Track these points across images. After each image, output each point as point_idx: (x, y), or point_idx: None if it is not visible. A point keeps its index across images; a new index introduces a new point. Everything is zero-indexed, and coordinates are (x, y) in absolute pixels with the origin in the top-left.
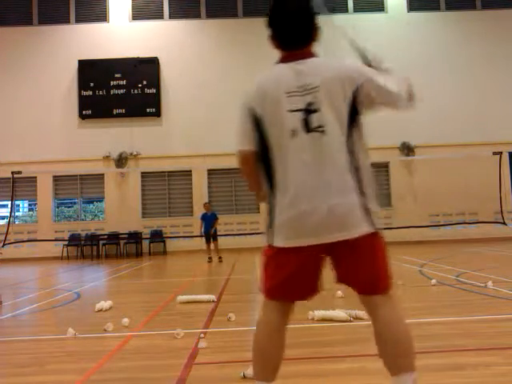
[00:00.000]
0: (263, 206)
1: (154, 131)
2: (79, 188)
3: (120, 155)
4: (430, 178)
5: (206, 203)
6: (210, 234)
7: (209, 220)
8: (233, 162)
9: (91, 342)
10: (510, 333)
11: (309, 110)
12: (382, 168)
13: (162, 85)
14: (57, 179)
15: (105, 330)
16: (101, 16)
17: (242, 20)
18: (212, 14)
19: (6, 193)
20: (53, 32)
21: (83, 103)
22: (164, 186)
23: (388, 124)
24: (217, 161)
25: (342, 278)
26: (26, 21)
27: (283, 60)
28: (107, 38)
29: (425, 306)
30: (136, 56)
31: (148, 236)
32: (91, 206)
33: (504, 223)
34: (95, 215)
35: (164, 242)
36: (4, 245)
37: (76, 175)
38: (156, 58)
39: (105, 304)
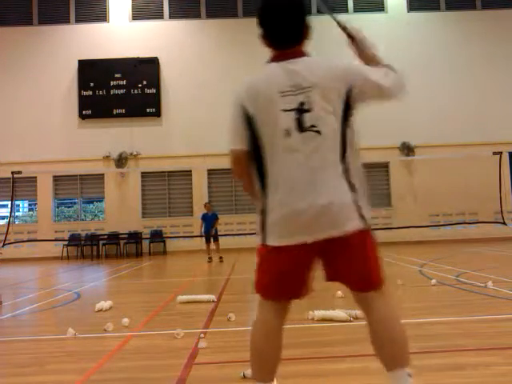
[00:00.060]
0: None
1: (154, 131)
2: (79, 188)
3: (120, 155)
4: (430, 178)
5: (206, 203)
6: (211, 234)
7: (209, 220)
8: None
9: (91, 342)
10: (509, 333)
11: (302, 110)
12: (381, 168)
13: (162, 85)
14: (57, 179)
15: (105, 330)
16: (101, 16)
17: (241, 20)
18: (212, 13)
19: (6, 193)
20: (53, 32)
21: (83, 103)
22: (164, 186)
23: (388, 124)
24: (217, 161)
25: (333, 276)
26: (26, 21)
27: (274, 59)
28: (107, 38)
29: (425, 306)
30: (136, 56)
31: (148, 236)
32: (91, 206)
33: (504, 223)
34: (95, 215)
35: (164, 241)
36: (4, 245)
37: (76, 175)
38: (156, 58)
39: (105, 304)
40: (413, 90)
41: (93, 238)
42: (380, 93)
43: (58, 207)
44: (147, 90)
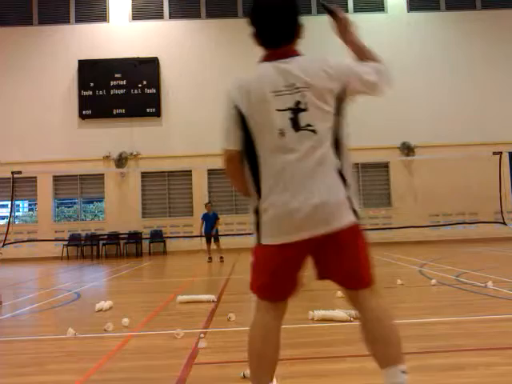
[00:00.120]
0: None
1: (153, 131)
2: (79, 188)
3: (120, 155)
4: (430, 178)
5: (207, 203)
6: (211, 235)
7: (210, 220)
8: None
9: (91, 342)
10: (510, 333)
11: (297, 109)
12: (381, 168)
13: (161, 85)
14: (57, 179)
15: (105, 330)
16: (101, 16)
17: (242, 20)
18: (212, 13)
19: (6, 193)
20: (53, 32)
21: (83, 103)
22: (164, 186)
23: (388, 124)
24: (217, 161)
25: (325, 273)
26: (26, 21)
27: (267, 59)
28: (107, 37)
29: (425, 306)
30: (136, 56)
31: (148, 236)
32: (91, 206)
33: (504, 223)
34: (95, 215)
35: (164, 241)
36: (4, 245)
37: (76, 175)
38: (156, 58)
39: (105, 304)
40: (413, 90)
41: (93, 238)
42: (369, 89)
43: (58, 207)
44: (147, 90)
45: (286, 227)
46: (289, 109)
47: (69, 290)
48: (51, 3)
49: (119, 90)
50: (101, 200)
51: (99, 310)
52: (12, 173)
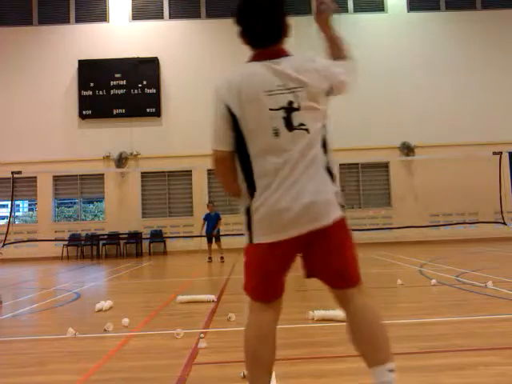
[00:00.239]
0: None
1: (153, 131)
2: (79, 188)
3: (120, 155)
4: (429, 178)
5: (209, 204)
6: (213, 235)
7: (212, 220)
8: None
9: (91, 342)
10: (510, 333)
11: (290, 109)
12: (381, 168)
13: (161, 85)
14: (57, 179)
15: (105, 330)
16: (101, 16)
17: None
18: (212, 13)
19: (6, 193)
20: (53, 32)
21: (83, 103)
22: (164, 186)
23: (388, 124)
24: None
25: (314, 271)
26: (26, 21)
27: (256, 58)
28: (107, 37)
29: (424, 306)
30: (136, 56)
31: (148, 236)
32: (91, 206)
33: (504, 223)
34: (95, 215)
35: (164, 242)
36: (4, 245)
37: (76, 175)
38: (156, 58)
39: (105, 304)
40: (413, 90)
41: (93, 238)
42: (346, 87)
43: (58, 207)
44: (147, 90)
45: (276, 226)
46: (282, 108)
47: (69, 290)
48: (51, 3)
49: (119, 90)
50: (101, 200)
51: (99, 310)
52: (12, 173)
